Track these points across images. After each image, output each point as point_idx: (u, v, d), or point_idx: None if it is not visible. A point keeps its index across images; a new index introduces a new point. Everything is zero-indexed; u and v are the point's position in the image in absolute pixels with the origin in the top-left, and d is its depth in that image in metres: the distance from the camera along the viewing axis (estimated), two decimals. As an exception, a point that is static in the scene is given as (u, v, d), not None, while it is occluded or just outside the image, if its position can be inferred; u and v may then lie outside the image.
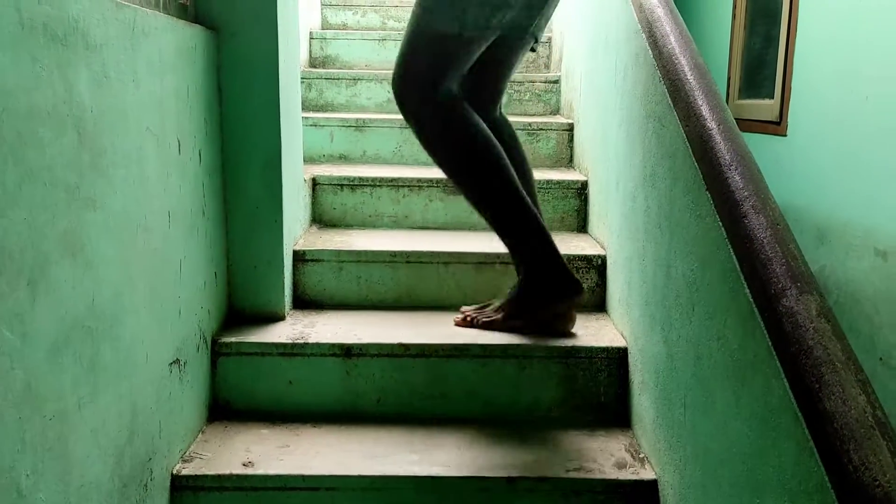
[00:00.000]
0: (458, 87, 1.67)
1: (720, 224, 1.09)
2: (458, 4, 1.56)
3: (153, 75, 1.26)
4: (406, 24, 1.66)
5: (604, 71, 1.98)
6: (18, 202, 0.85)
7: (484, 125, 1.66)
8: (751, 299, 0.98)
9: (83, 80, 1.00)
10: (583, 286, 1.70)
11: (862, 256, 2.08)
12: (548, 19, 1.75)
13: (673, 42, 1.39)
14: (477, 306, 1.79)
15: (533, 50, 1.82)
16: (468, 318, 1.75)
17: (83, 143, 1.00)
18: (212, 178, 1.59)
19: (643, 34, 1.54)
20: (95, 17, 1.03)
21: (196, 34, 1.50)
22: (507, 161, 1.66)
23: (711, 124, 1.17)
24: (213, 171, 1.61)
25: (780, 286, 0.91)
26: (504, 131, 1.81)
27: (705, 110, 1.21)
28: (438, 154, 1.68)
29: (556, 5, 1.73)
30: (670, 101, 1.34)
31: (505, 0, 1.58)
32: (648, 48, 1.50)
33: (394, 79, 1.66)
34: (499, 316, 1.72)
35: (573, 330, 1.73)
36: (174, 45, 1.37)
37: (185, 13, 1.54)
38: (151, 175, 1.26)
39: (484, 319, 1.72)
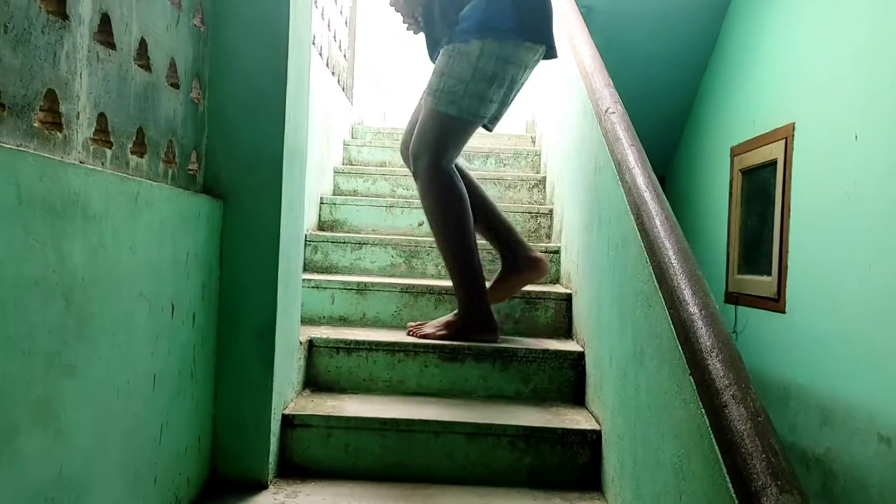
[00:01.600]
0: (455, 159, 2.24)
1: (703, 412, 1.08)
2: (457, 96, 2.13)
3: (152, 243, 1.31)
4: (421, 113, 2.22)
5: (598, 247, 2.02)
6: (-7, 371, 0.86)
7: (465, 193, 2.23)
8: (733, 495, 0.94)
9: (77, 249, 1.04)
10: (499, 333, 2.25)
11: (866, 441, 2.02)
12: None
13: (658, 226, 1.43)
14: (418, 322, 2.34)
15: (488, 129, 2.38)
16: (413, 333, 2.26)
17: (70, 311, 1.02)
18: (204, 340, 1.61)
19: (632, 215, 1.59)
20: (97, 190, 1.08)
21: (201, 203, 1.56)
22: (473, 229, 2.24)
23: (693, 309, 1.19)
24: (207, 333, 1.62)
25: (760, 483, 0.88)
26: (465, 174, 2.38)
27: (688, 295, 1.22)
28: (431, 207, 2.21)
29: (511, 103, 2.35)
30: (656, 283, 1.36)
31: (490, 98, 2.16)
32: (636, 229, 1.54)
33: (412, 149, 2.22)
34: (437, 332, 2.23)
35: None
36: (177, 214, 1.42)
37: (193, 183, 1.62)
38: (140, 339, 1.28)
39: (423, 332, 2.24)
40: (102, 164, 1.18)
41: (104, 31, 1.16)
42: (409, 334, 2.26)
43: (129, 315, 1.23)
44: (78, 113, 1.09)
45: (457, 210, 2.20)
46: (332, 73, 3.48)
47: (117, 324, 1.18)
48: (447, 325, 2.23)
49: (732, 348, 1.11)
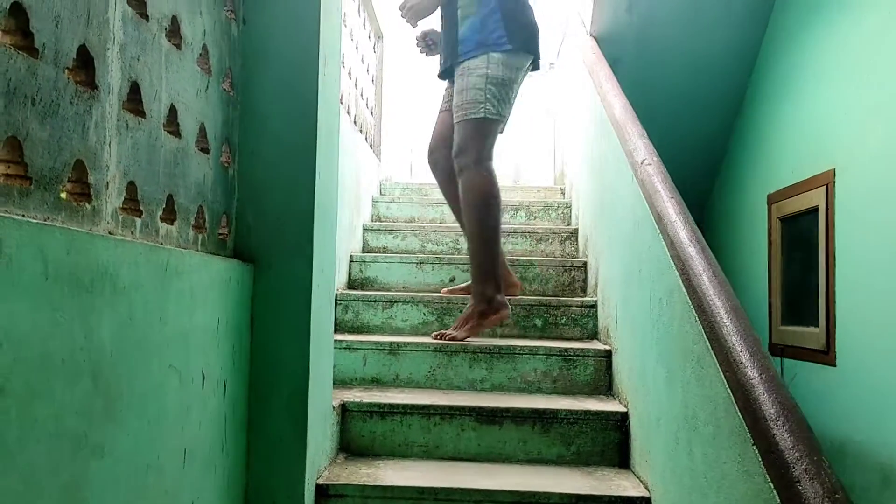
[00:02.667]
0: (491, 155, 2.61)
1: (771, 486, 0.99)
2: (479, 103, 2.54)
3: (182, 312, 1.27)
4: (456, 127, 2.61)
5: (639, 302, 1.95)
6: (17, 459, 0.81)
7: (500, 195, 2.61)
8: (813, 582, 0.86)
9: (105, 323, 1.00)
10: (508, 311, 2.56)
11: (934, 504, 1.90)
12: None
13: (707, 282, 1.37)
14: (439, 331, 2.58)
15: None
16: (440, 336, 2.50)
17: (98, 389, 0.98)
18: (235, 410, 1.55)
19: (676, 271, 1.52)
20: (126, 262, 1.05)
21: (231, 268, 1.53)
22: (500, 228, 2.62)
23: (753, 373, 1.11)
24: (238, 402, 1.57)
25: (846, 572, 0.80)
26: None
27: (745, 357, 1.15)
28: (470, 197, 2.56)
29: None
30: (708, 344, 1.29)
31: (508, 99, 2.61)
32: (682, 285, 1.47)
33: (455, 153, 2.60)
34: (461, 332, 2.50)
35: None
36: (207, 281, 1.39)
37: (223, 247, 1.59)
38: (170, 413, 1.23)
39: (449, 335, 2.49)
40: (132, 233, 1.15)
41: (133, 99, 1.15)
42: (435, 338, 2.50)
43: (158, 388, 1.18)
44: (107, 183, 1.07)
45: (492, 204, 2.54)
46: (360, 131, 3.49)
47: (146, 398, 1.13)
48: (466, 321, 2.52)
49: (800, 416, 1.03)
